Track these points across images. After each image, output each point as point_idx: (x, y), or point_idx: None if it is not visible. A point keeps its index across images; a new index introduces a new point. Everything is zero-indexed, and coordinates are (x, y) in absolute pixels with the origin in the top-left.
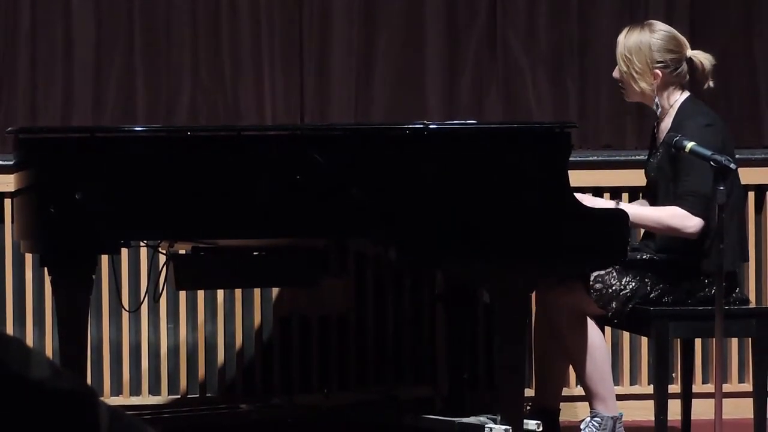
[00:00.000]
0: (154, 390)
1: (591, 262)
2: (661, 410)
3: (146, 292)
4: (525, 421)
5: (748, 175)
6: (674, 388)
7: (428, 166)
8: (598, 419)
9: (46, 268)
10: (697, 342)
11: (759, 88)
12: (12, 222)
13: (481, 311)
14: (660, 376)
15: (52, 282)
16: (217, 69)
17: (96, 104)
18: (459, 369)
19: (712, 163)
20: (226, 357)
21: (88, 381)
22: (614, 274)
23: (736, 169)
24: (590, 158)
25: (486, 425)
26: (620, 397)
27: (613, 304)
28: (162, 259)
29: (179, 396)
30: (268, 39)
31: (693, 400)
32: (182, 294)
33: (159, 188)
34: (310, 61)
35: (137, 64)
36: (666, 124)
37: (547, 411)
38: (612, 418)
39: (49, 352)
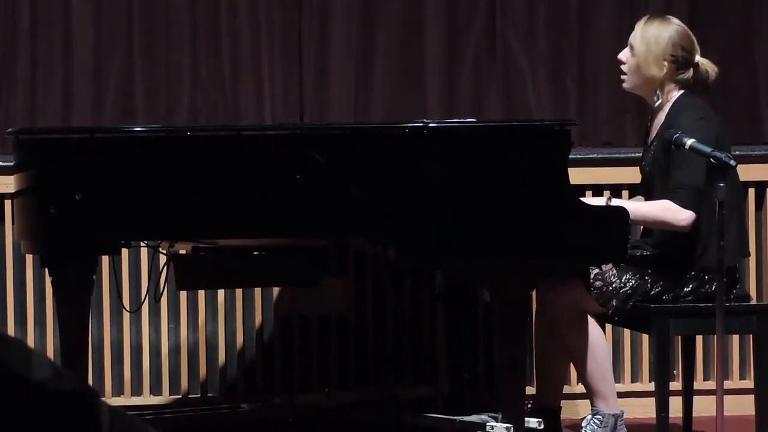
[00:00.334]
0: (156, 390)
1: (591, 261)
2: (662, 407)
3: (147, 292)
4: (526, 419)
5: (747, 172)
6: (675, 385)
7: (428, 164)
8: (600, 417)
9: (46, 269)
10: (698, 339)
11: (758, 85)
12: (12, 223)
13: (481, 310)
14: (661, 374)
15: (52, 282)
16: (216, 69)
17: (96, 105)
18: (459, 368)
19: (712, 159)
20: (227, 357)
21: (90, 381)
22: (614, 271)
23: (736, 165)
24: (590, 156)
25: (487, 424)
26: (621, 395)
27: (614, 302)
28: (162, 259)
29: (180, 396)
30: (268, 38)
31: (694, 397)
32: (183, 294)
33: (159, 188)
34: (309, 60)
35: (137, 64)
36: (660, 118)
37: (548, 409)
38: (613, 415)
39: (50, 352)
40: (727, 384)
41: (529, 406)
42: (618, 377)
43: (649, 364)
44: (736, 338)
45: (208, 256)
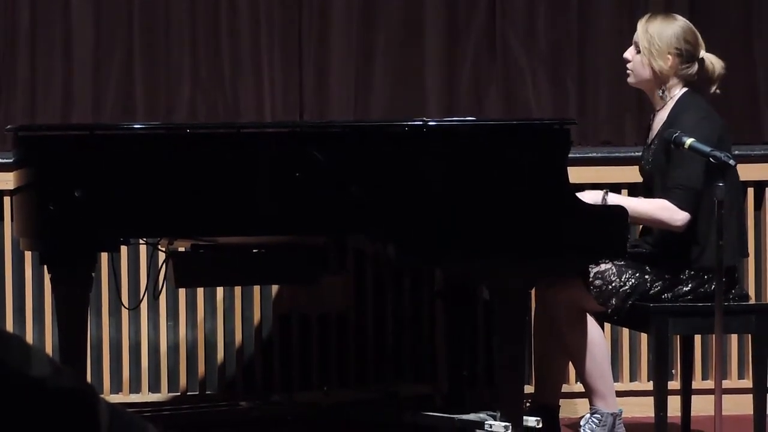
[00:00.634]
0: (154, 387)
1: (591, 259)
2: (660, 407)
3: (146, 289)
4: (525, 417)
5: (747, 171)
6: (674, 384)
7: (427, 163)
8: (598, 416)
9: (45, 266)
10: (697, 338)
11: (758, 85)
12: (12, 220)
13: (480, 308)
14: (660, 373)
15: (51, 280)
16: (216, 67)
17: (95, 102)
18: (459, 366)
19: (711, 159)
20: (226, 354)
21: (88, 379)
22: (614, 270)
23: (735, 165)
24: (589, 155)
25: (486, 422)
26: (620, 394)
27: (613, 301)
28: (161, 256)
29: (179, 393)
30: (268, 37)
31: (693, 396)
32: (182, 291)
33: (158, 186)
34: (309, 60)
35: (136, 62)
36: (662, 116)
37: (547, 408)
38: (612, 414)
39: (48, 349)
40: (726, 383)
41: (528, 404)
42: (617, 376)
43: (647, 363)
44: (734, 338)
45: (208, 253)
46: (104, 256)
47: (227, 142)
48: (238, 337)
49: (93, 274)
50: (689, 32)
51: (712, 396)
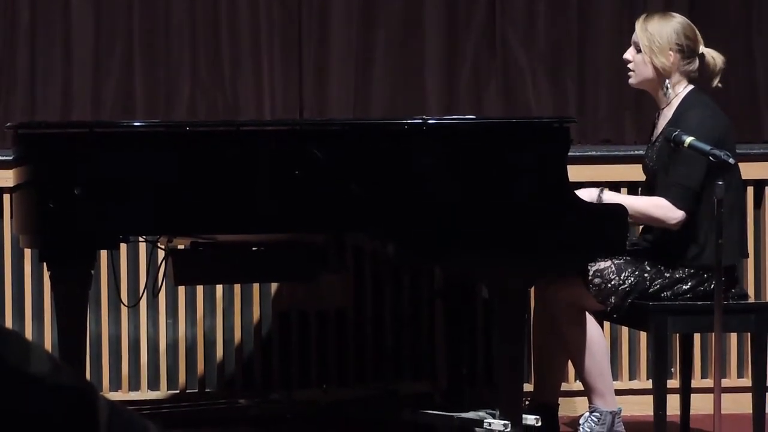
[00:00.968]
0: (153, 385)
1: (590, 258)
2: (659, 405)
3: (145, 287)
4: (524, 416)
5: (746, 170)
6: (673, 383)
7: (427, 161)
8: (597, 414)
9: (45, 263)
10: (696, 337)
11: (758, 83)
12: (11, 217)
13: (479, 307)
14: (659, 371)
15: (51, 277)
16: (216, 65)
17: (95, 99)
18: (458, 364)
19: (711, 158)
20: (225, 352)
21: (87, 376)
22: (613, 269)
23: (736, 164)
24: (589, 153)
25: (485, 420)
26: (619, 392)
27: (612, 299)
28: (161, 254)
29: (178, 391)
30: (267, 35)
31: (692, 395)
32: (181, 289)
33: (158, 183)
34: (309, 58)
35: (136, 59)
36: (667, 114)
37: (546, 406)
38: (611, 412)
39: (48, 347)
40: (725, 382)
41: (527, 402)
42: (616, 374)
43: (647, 362)
44: (734, 336)
45: (207, 251)
46: (104, 254)
47: (227, 140)
48: (238, 334)
49: (92, 271)
50: (688, 28)
51: (712, 394)
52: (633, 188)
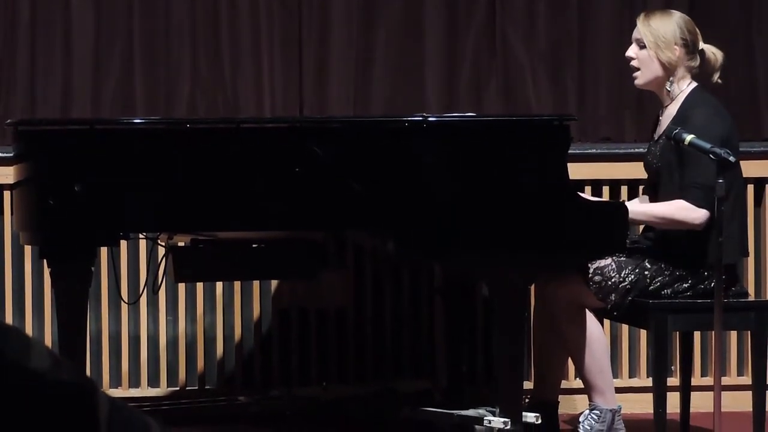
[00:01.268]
0: (153, 382)
1: (590, 255)
2: (659, 403)
3: (145, 284)
4: (524, 413)
5: (746, 168)
6: (673, 381)
7: (427, 159)
8: (597, 412)
9: (45, 260)
10: (696, 335)
11: (758, 82)
12: (11, 214)
13: (479, 305)
14: (659, 369)
15: (51, 274)
16: (216, 62)
17: (95, 97)
18: (458, 362)
19: (711, 156)
20: (225, 349)
21: (88, 373)
22: (613, 266)
23: (737, 162)
24: (589, 151)
25: (485, 418)
26: (619, 390)
27: (612, 297)
28: (161, 251)
29: (178, 388)
30: (267, 32)
31: (692, 392)
32: (181, 286)
33: (158, 180)
34: (309, 55)
35: (136, 57)
36: (671, 111)
37: (546, 404)
38: (611, 410)
39: (48, 343)
40: (725, 380)
41: (527, 400)
42: (616, 372)
43: (647, 360)
44: (734, 334)
45: (207, 248)
46: (104, 251)
47: (227, 137)
48: (238, 331)
49: (92, 268)
50: (689, 23)
51: (712, 393)
52: (633, 186)
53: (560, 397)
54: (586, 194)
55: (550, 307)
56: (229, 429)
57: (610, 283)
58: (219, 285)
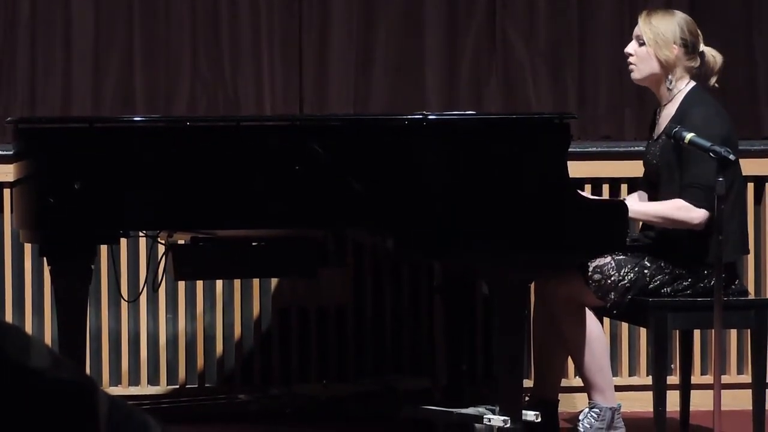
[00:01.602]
0: (153, 380)
1: (590, 254)
2: (659, 401)
3: (145, 282)
4: (524, 412)
5: (746, 167)
6: (673, 379)
7: (427, 157)
8: (597, 410)
9: (45, 258)
10: (696, 333)
11: (758, 80)
12: (11, 212)
13: (479, 303)
14: (658, 367)
15: (51, 272)
16: (216, 60)
17: (95, 95)
18: (457, 360)
19: (711, 154)
20: (225, 347)
21: (87, 371)
22: (613, 265)
23: (737, 160)
24: (589, 149)
25: (484, 416)
26: (619, 388)
27: (612, 295)
28: (161, 249)
29: (178, 386)
30: (268, 30)
31: (692, 391)
32: (181, 284)
33: (158, 178)
34: (309, 52)
35: (136, 54)
36: (670, 110)
37: (546, 402)
38: (610, 409)
39: (48, 341)
40: (725, 378)
41: (527, 398)
42: (616, 371)
43: (646, 358)
44: (733, 333)
45: (207, 246)
46: (104, 249)
47: (227, 136)
48: (237, 330)
49: (92, 266)
50: (690, 24)
51: (711, 391)
52: (633, 184)
53: (560, 395)
54: (586, 192)
55: (549, 306)
56: (228, 427)
57: (609, 281)
58: (219, 283)
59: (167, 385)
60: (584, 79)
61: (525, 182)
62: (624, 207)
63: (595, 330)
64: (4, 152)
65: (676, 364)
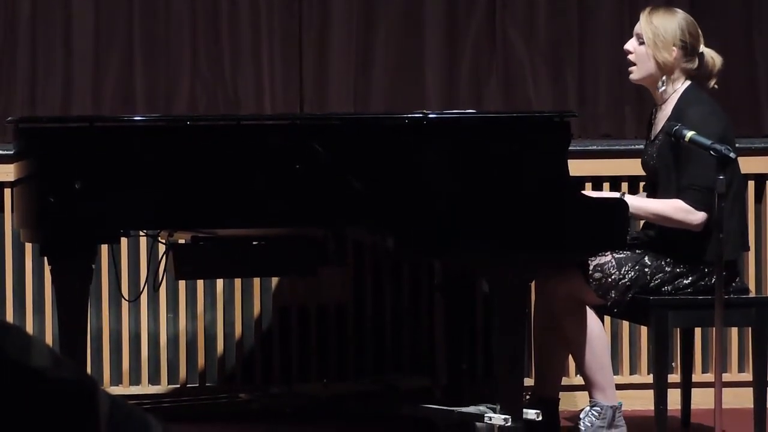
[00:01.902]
0: (154, 379)
1: (590, 252)
2: (660, 400)
3: (146, 281)
4: (524, 410)
5: (747, 165)
6: (674, 377)
7: (428, 155)
8: (598, 408)
9: (46, 258)
10: (697, 331)
11: (758, 78)
12: (12, 211)
13: (479, 301)
14: (659, 366)
15: (51, 271)
16: (216, 59)
17: (95, 94)
18: (458, 359)
19: (711, 152)
20: (226, 346)
21: (88, 370)
22: (613, 263)
23: (736, 158)
24: (589, 147)
25: (485, 415)
26: (620, 387)
27: (613, 294)
28: (161, 248)
29: (179, 385)
30: (267, 28)
31: (693, 389)
32: (181, 283)
33: (158, 177)
34: (309, 51)
35: (136, 53)
36: (666, 110)
37: (547, 400)
38: (611, 407)
39: (48, 341)
40: (726, 376)
41: (528, 397)
42: (616, 369)
43: (647, 356)
44: (734, 331)
45: (208, 245)
46: (104, 248)
47: (227, 135)
48: (238, 329)
49: (93, 265)
50: (692, 25)
51: (712, 389)
52: (633, 183)
53: (561, 393)
54: (587, 191)
55: (550, 305)
56: (229, 426)
57: (610, 280)
58: (219, 282)
59: (168, 384)
60: (584, 78)
61: (525, 181)
62: (624, 205)
63: (596, 328)
64: (5, 152)
65: (677, 363)
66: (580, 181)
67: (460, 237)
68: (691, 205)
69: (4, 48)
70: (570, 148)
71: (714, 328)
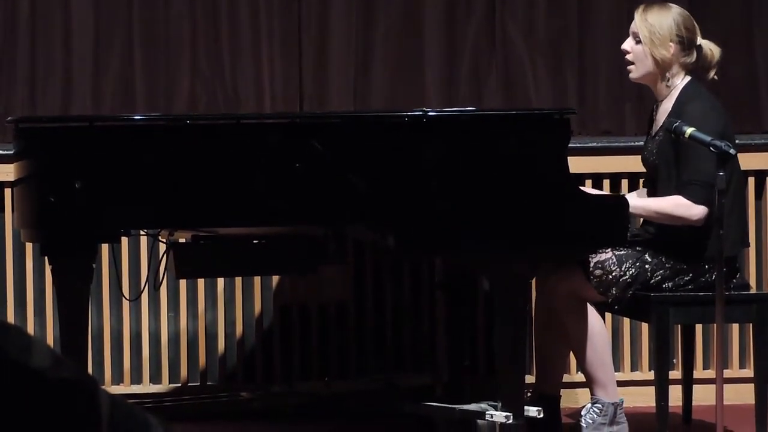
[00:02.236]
0: (155, 378)
1: (591, 249)
2: (661, 396)
3: (146, 280)
4: (526, 407)
5: (747, 161)
6: (675, 374)
7: (428, 153)
8: (599, 405)
9: (46, 257)
10: (698, 328)
11: (758, 74)
12: (12, 211)
13: (481, 299)
14: (661, 362)
15: (52, 271)
16: (216, 57)
17: (95, 93)
18: (459, 356)
19: (711, 148)
20: (227, 345)
21: (89, 370)
22: (614, 260)
23: (736, 154)
24: (589, 144)
25: (486, 412)
26: (621, 384)
27: (613, 291)
28: (162, 247)
29: (180, 384)
30: (267, 27)
31: (694, 386)
32: (182, 282)
33: (158, 177)
34: (309, 49)
35: (136, 53)
36: (666, 106)
37: (548, 397)
38: (613, 404)
39: (49, 341)
40: (727, 373)
41: (529, 394)
42: (618, 366)
43: (648, 353)
44: (735, 327)
45: (208, 244)
46: (105, 248)
47: (227, 134)
48: (239, 328)
49: (94, 265)
50: (687, 19)
51: (714, 385)
52: (633, 179)
53: (562, 390)
54: (587, 188)
55: (551, 302)
56: (231, 425)
57: (610, 276)
58: (220, 281)
59: (169, 383)
60: (584, 75)
61: (525, 178)
62: (624, 202)
63: (597, 325)
64: (5, 152)
65: (678, 359)
66: (580, 178)
67: (461, 234)
68: (691, 201)
69: (4, 48)
70: (570, 145)
71: (715, 325)
